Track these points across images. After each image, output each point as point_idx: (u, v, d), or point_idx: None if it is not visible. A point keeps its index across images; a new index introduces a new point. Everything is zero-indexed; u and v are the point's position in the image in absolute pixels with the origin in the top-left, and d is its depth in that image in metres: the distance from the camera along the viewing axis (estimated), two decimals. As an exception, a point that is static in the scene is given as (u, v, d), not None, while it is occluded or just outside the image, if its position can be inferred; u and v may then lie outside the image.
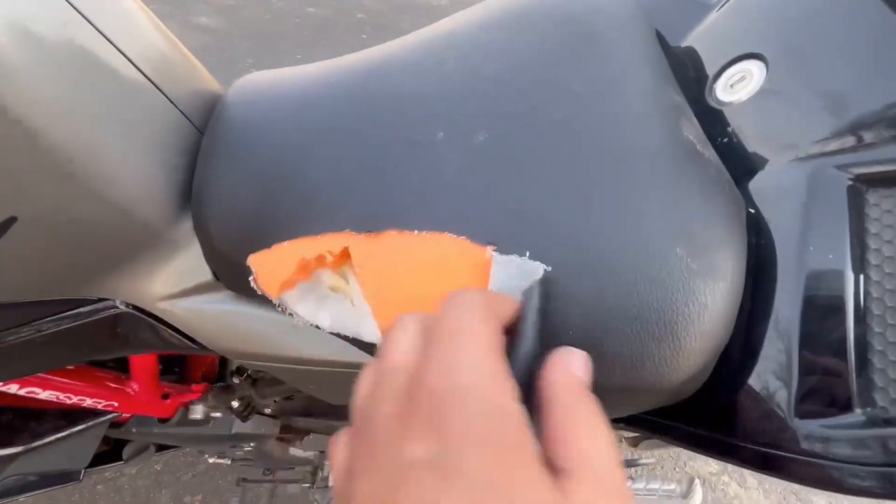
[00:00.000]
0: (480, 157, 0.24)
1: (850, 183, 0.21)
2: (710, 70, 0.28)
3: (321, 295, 0.26)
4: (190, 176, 0.28)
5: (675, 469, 1.15)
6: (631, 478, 0.66)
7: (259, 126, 0.28)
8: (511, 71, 0.25)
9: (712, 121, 0.26)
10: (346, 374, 0.30)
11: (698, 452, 0.25)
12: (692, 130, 0.24)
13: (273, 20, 2.68)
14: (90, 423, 0.42)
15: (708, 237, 0.21)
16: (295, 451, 0.66)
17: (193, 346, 0.32)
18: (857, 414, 0.19)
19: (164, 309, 0.30)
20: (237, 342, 0.30)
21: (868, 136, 0.21)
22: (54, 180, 0.21)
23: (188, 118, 0.29)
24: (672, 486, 0.62)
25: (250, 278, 0.26)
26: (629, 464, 0.69)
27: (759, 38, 0.26)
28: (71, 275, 0.27)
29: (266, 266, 0.25)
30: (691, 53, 0.28)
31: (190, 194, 0.28)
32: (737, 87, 0.26)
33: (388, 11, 3.11)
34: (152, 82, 0.25)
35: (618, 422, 0.28)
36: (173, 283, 0.29)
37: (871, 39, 0.22)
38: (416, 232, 0.23)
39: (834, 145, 0.22)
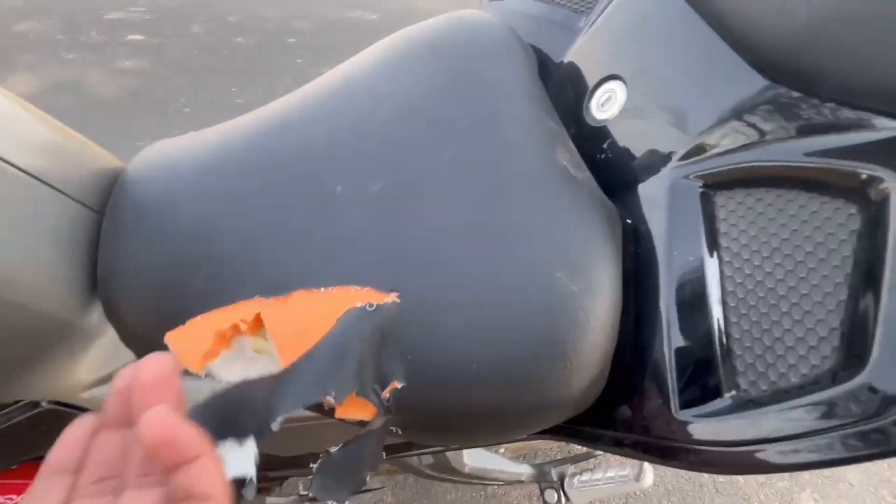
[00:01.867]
0: (378, 205, 0.25)
1: (701, 189, 0.24)
2: (584, 90, 0.30)
3: (247, 359, 0.26)
4: (94, 261, 0.28)
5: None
6: (590, 469, 0.69)
7: (159, 202, 0.28)
8: (401, 114, 0.27)
9: (592, 138, 0.29)
10: (293, 428, 0.31)
11: (609, 452, 0.27)
12: (566, 155, 0.26)
13: (201, 54, 2.61)
14: None
15: (585, 258, 0.23)
16: (274, 500, 0.65)
17: None
18: (726, 399, 0.22)
19: (89, 398, 0.30)
20: None
21: (708, 146, 0.24)
22: None
23: (83, 204, 0.28)
24: (626, 472, 0.66)
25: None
26: (586, 456, 0.73)
27: (619, 59, 0.29)
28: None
29: (183, 342, 0.25)
30: (570, 74, 0.31)
31: (96, 280, 0.28)
32: (606, 106, 0.29)
33: (320, 31, 3.09)
34: (36, 177, 0.25)
35: (537, 435, 0.30)
36: (95, 370, 0.29)
37: (702, 58, 0.25)
38: (322, 289, 0.24)
39: (684, 157, 0.25)
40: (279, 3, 3.57)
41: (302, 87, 0.33)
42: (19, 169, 0.23)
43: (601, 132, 0.29)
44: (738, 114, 0.24)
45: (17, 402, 0.29)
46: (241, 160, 0.28)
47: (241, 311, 0.24)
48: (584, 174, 0.27)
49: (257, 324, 0.25)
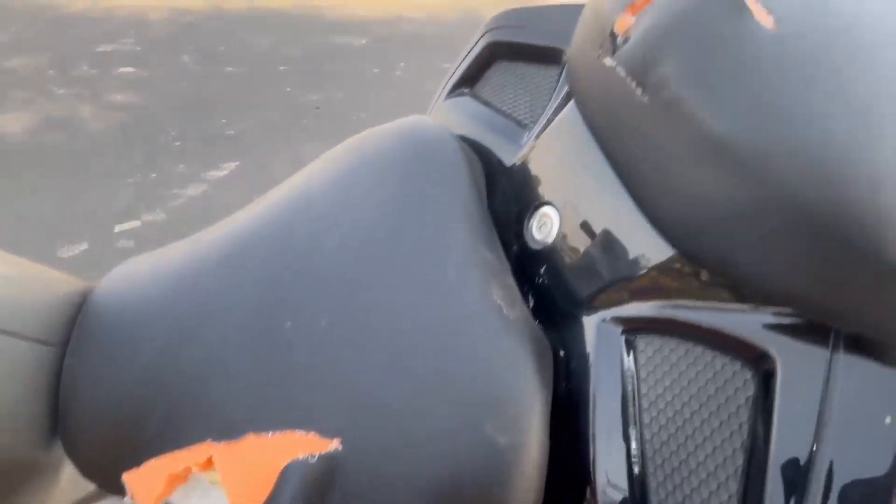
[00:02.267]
0: (324, 344, 0.25)
1: (623, 333, 0.25)
2: (525, 208, 0.31)
3: (204, 490, 0.27)
4: (55, 396, 0.28)
5: None
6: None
7: (120, 335, 0.28)
8: (347, 243, 0.27)
9: (531, 260, 0.29)
10: None
11: None
12: (500, 293, 0.27)
13: (191, 87, 2.64)
14: None
15: (513, 408, 0.24)
16: None
17: None
18: None
19: None
20: None
21: (625, 293, 0.25)
22: None
23: (41, 342, 0.28)
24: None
25: (126, 497, 0.27)
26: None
27: (552, 186, 0.30)
28: None
29: (139, 482, 0.26)
30: (514, 187, 0.32)
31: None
32: (543, 230, 0.29)
33: (309, 58, 3.14)
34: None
35: None
36: (64, 501, 0.29)
37: (617, 208, 0.25)
38: (269, 434, 0.24)
39: (606, 300, 0.26)
40: (270, 31, 3.62)
41: (269, 192, 0.34)
42: None
43: (539, 255, 0.29)
44: (649, 270, 0.25)
45: None
46: (199, 287, 0.28)
47: (193, 456, 0.25)
48: (518, 311, 0.27)
49: (209, 464, 0.25)
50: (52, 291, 0.31)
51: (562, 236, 0.29)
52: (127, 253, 1.56)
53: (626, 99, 0.24)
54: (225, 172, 1.84)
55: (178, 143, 2.03)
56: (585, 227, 0.28)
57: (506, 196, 0.32)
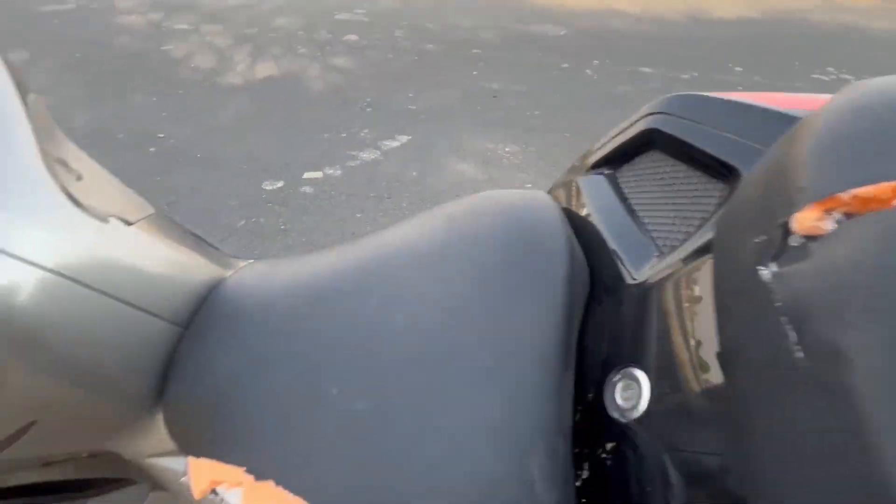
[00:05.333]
0: (356, 427, 0.26)
1: None
2: (612, 362, 0.25)
3: (235, 499, 0.29)
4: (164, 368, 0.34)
5: None
6: None
7: (225, 337, 0.32)
8: (414, 326, 0.27)
9: (603, 425, 0.24)
10: None
11: None
12: (542, 460, 0.23)
13: (394, 59, 2.94)
14: None
15: None
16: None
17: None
18: None
19: (151, 464, 0.37)
20: None
21: None
22: (61, 393, 0.29)
23: (165, 319, 0.33)
24: None
25: (183, 478, 0.32)
26: None
27: (659, 345, 0.23)
28: (77, 441, 0.35)
29: (195, 470, 0.30)
30: (614, 326, 0.26)
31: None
32: (627, 396, 0.23)
33: (503, 44, 3.19)
34: (137, 306, 0.31)
35: None
36: (153, 447, 0.37)
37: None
38: (287, 493, 0.26)
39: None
40: (473, 12, 3.77)
41: (384, 230, 0.35)
42: (113, 297, 0.29)
43: (614, 425, 0.24)
44: None
45: (104, 452, 0.37)
46: (287, 318, 0.31)
47: (232, 474, 0.28)
48: (556, 495, 0.23)
49: (240, 486, 0.29)
50: (185, 276, 0.37)
51: (648, 416, 0.22)
52: (308, 197, 1.88)
53: (775, 344, 0.16)
54: (396, 144, 2.03)
55: (369, 110, 2.31)
56: (682, 416, 0.21)
57: (601, 329, 0.27)
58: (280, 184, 1.78)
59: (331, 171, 1.85)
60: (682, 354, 0.22)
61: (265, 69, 2.74)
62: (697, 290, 0.22)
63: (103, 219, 0.30)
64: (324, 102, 2.37)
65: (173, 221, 0.39)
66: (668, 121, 0.30)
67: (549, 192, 0.38)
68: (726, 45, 3.24)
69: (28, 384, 0.28)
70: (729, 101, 0.28)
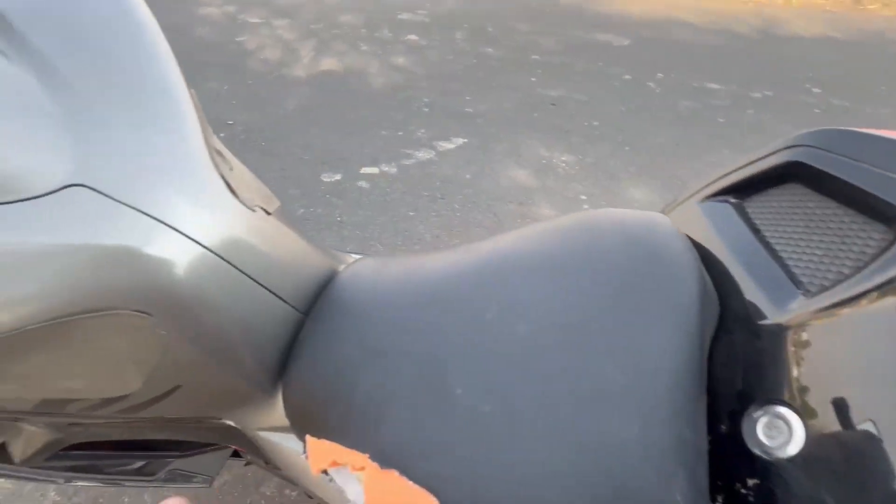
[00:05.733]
0: (481, 425, 0.26)
1: None
2: (751, 396, 0.24)
3: (353, 481, 0.31)
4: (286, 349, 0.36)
5: None
6: None
7: (344, 324, 0.34)
8: (542, 330, 0.27)
9: (741, 462, 0.23)
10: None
11: None
12: (686, 485, 0.22)
13: (453, 60, 2.96)
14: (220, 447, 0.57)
15: None
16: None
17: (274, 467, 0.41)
18: None
19: (262, 436, 0.40)
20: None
21: None
22: (203, 362, 0.32)
23: (289, 304, 0.36)
24: None
25: (303, 453, 0.33)
26: None
27: (814, 387, 0.22)
28: (206, 408, 0.38)
29: (313, 449, 0.32)
30: (750, 362, 0.25)
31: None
32: (774, 436, 0.22)
33: (563, 51, 3.14)
34: (261, 284, 0.33)
35: None
36: (266, 421, 0.39)
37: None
38: (409, 482, 0.26)
39: None
40: (534, 18, 3.74)
41: (496, 238, 0.36)
42: (254, 280, 0.32)
43: (756, 463, 0.23)
44: None
45: (220, 420, 0.41)
46: (415, 310, 0.32)
47: (353, 458, 0.29)
48: None
49: (362, 470, 0.29)
50: (309, 266, 0.39)
51: (804, 458, 0.21)
52: (363, 192, 1.93)
53: None
54: (452, 146, 2.05)
55: (426, 110, 2.34)
56: (844, 463, 0.20)
57: (732, 360, 0.26)
58: (338, 177, 1.84)
59: (387, 168, 1.89)
60: (847, 402, 0.21)
61: (328, 64, 2.84)
62: (868, 338, 0.21)
63: (251, 207, 0.32)
64: (383, 100, 2.42)
65: (291, 215, 0.41)
66: (817, 155, 0.29)
67: (666, 211, 0.37)
68: (803, 63, 3.06)
69: (181, 351, 0.30)
70: (891, 140, 0.26)
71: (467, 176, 1.85)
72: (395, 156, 1.96)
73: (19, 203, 0.23)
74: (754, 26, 3.72)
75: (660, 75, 2.83)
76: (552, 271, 0.30)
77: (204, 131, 0.31)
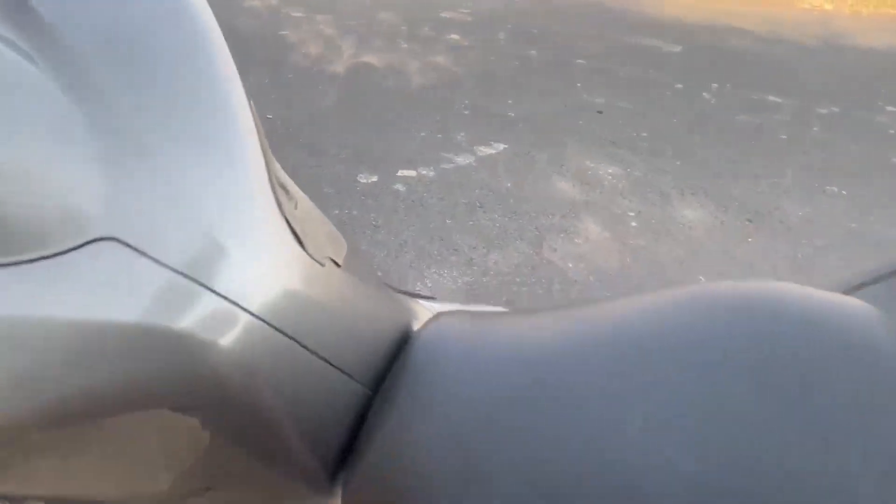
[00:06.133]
0: None
1: None
2: None
3: None
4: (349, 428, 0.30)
5: None
6: None
7: (430, 397, 0.28)
8: (699, 470, 0.20)
9: None
10: None
11: None
12: None
13: (496, 61, 2.88)
14: None
15: None
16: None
17: None
18: None
19: None
20: None
21: None
22: (244, 460, 0.27)
23: (356, 380, 0.30)
24: None
25: None
26: None
27: None
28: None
29: None
30: None
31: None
32: None
33: (608, 55, 3.02)
34: (337, 366, 0.28)
35: None
36: None
37: None
38: None
39: None
40: (580, 19, 3.61)
41: (613, 302, 0.29)
42: (315, 354, 0.26)
43: None
44: None
45: None
46: (511, 393, 0.26)
47: None
48: None
49: None
50: (378, 329, 0.33)
51: None
52: (400, 196, 1.88)
53: None
54: (492, 151, 1.97)
55: (466, 112, 2.27)
56: None
57: None
58: (375, 178, 1.79)
59: (425, 172, 1.83)
60: None
61: (369, 61, 2.80)
62: None
63: (320, 261, 0.26)
64: (422, 100, 2.36)
65: (359, 253, 0.34)
66: None
67: (849, 293, 0.29)
68: (873, 79, 2.84)
69: (221, 449, 0.24)
70: None
71: (508, 184, 1.77)
72: (433, 159, 1.90)
73: (27, 264, 0.17)
74: (820, 36, 3.50)
75: (715, 85, 2.68)
76: (699, 360, 0.23)
77: (268, 165, 0.25)
